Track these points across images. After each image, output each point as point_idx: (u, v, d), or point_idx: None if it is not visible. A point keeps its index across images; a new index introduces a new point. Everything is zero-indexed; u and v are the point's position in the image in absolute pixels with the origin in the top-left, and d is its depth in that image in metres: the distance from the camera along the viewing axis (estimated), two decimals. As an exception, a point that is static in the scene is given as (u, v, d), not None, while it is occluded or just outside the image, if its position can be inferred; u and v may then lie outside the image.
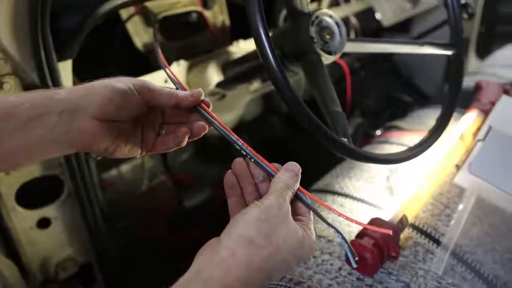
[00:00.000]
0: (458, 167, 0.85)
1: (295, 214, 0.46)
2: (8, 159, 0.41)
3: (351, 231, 0.72)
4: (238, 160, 0.49)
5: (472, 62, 1.86)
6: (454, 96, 0.74)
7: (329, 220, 0.48)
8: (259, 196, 0.48)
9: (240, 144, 0.49)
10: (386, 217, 0.71)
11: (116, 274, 0.94)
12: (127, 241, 1.04)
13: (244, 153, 0.49)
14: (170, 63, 0.96)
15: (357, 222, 0.48)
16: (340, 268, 0.68)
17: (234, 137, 0.49)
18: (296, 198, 0.47)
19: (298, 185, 0.46)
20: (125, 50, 1.00)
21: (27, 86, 0.72)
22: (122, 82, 0.45)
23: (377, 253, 0.64)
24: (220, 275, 0.37)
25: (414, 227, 0.75)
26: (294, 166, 0.47)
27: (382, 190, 0.85)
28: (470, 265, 0.70)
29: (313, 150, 0.95)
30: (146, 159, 1.14)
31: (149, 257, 1.10)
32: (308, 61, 0.69)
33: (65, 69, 0.75)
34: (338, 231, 0.47)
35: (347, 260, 0.66)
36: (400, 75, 1.87)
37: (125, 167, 1.10)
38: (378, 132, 1.31)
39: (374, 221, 0.69)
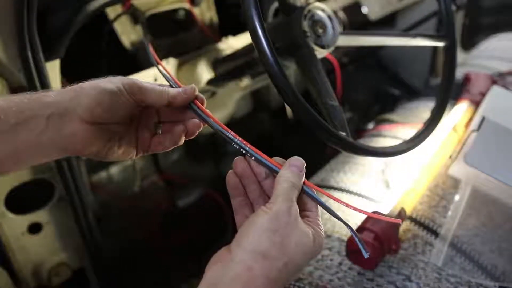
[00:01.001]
0: (452, 158, 0.85)
1: (302, 209, 0.45)
2: None
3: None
4: (239, 159, 0.47)
5: (457, 54, 1.87)
6: (448, 87, 0.74)
7: (329, 215, 0.47)
8: (263, 193, 0.47)
9: (238, 142, 0.46)
10: (384, 211, 0.70)
11: (110, 277, 0.93)
12: (121, 243, 1.03)
13: (243, 151, 0.46)
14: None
15: (365, 213, 0.47)
16: (340, 263, 0.68)
17: (232, 134, 0.47)
18: (302, 192, 0.45)
19: (303, 180, 0.45)
20: (112, 50, 0.98)
21: (14, 88, 0.70)
22: (111, 83, 0.43)
23: (378, 247, 0.63)
24: None
25: (412, 219, 0.75)
26: (297, 161, 0.45)
27: (378, 184, 0.85)
28: (469, 256, 0.71)
29: (304, 145, 0.94)
30: (137, 160, 1.12)
31: (143, 259, 1.09)
32: (301, 56, 0.68)
33: (53, 69, 0.73)
34: (348, 225, 0.46)
35: (348, 255, 0.66)
36: (387, 69, 1.88)
37: (115, 169, 1.09)
38: (371, 126, 1.31)
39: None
